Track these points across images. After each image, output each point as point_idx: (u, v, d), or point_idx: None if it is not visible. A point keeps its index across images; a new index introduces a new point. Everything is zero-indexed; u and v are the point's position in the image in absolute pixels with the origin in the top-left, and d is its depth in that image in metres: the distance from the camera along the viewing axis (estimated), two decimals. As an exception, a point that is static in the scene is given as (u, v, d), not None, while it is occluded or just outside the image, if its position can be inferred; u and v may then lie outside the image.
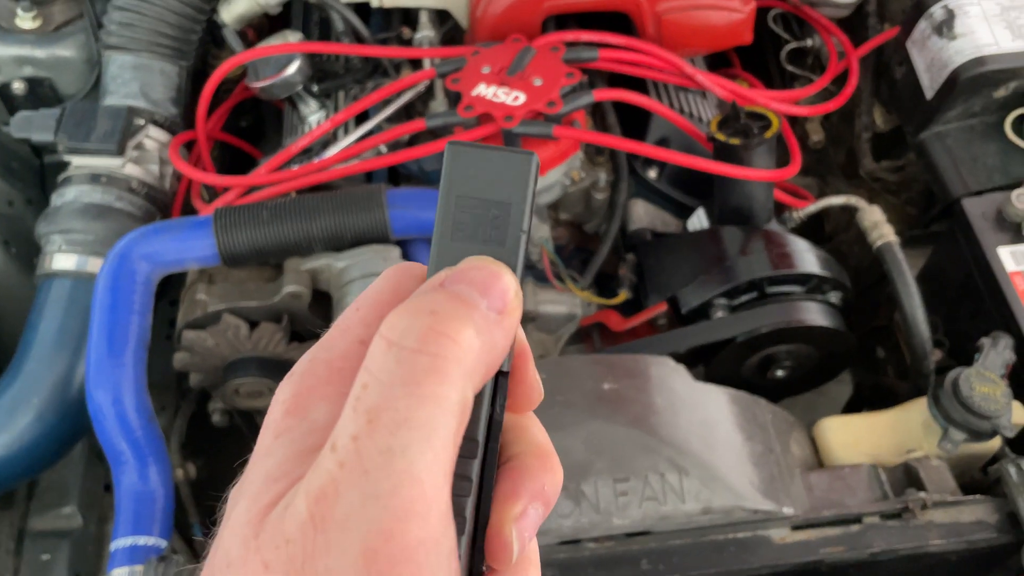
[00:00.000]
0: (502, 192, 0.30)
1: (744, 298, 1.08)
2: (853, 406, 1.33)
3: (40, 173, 1.34)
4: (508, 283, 0.29)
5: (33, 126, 1.12)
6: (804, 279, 1.07)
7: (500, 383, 0.31)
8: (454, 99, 1.09)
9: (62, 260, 1.08)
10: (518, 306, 0.30)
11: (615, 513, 0.82)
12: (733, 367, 1.10)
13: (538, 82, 1.06)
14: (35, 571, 1.16)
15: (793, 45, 1.44)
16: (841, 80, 1.35)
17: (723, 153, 1.08)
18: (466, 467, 0.29)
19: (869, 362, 1.44)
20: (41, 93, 1.26)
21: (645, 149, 1.10)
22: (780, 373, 1.10)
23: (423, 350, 0.27)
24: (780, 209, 1.21)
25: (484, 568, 0.30)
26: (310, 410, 0.29)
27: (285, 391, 0.30)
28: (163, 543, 0.90)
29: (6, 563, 1.15)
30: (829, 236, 1.52)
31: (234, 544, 0.27)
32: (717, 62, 1.54)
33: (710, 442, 0.86)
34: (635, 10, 1.16)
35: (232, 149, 1.42)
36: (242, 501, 0.28)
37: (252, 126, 1.50)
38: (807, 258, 1.08)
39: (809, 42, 1.43)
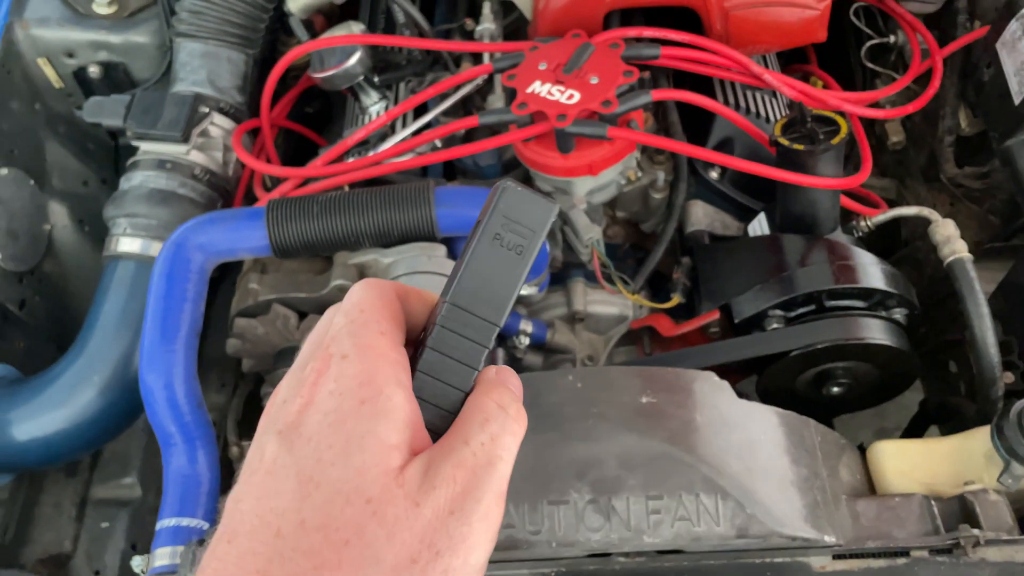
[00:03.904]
0: (532, 223, 0.42)
1: (801, 310, 1.04)
2: (917, 424, 1.27)
3: (115, 155, 1.39)
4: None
5: (104, 111, 1.15)
6: (867, 294, 1.02)
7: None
8: (511, 94, 1.08)
9: (127, 243, 1.12)
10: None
11: (646, 531, 0.80)
12: (786, 380, 1.06)
13: (595, 80, 1.03)
14: (94, 538, 1.22)
15: (875, 41, 1.37)
16: (925, 80, 1.28)
17: (786, 158, 1.03)
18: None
19: (941, 376, 1.37)
20: (115, 77, 1.30)
21: (702, 153, 1.07)
22: (836, 390, 1.06)
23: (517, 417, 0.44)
24: (849, 216, 1.16)
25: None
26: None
27: None
28: (205, 525, 0.92)
29: (68, 529, 1.21)
30: (905, 241, 1.45)
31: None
32: (793, 57, 1.48)
33: (751, 464, 0.83)
34: (701, 6, 1.12)
35: (297, 136, 1.44)
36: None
37: (319, 112, 1.52)
38: (871, 272, 1.03)
39: (892, 39, 1.36)
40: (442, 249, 1.01)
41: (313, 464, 0.37)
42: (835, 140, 1.01)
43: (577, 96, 1.02)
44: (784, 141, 1.02)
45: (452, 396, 0.42)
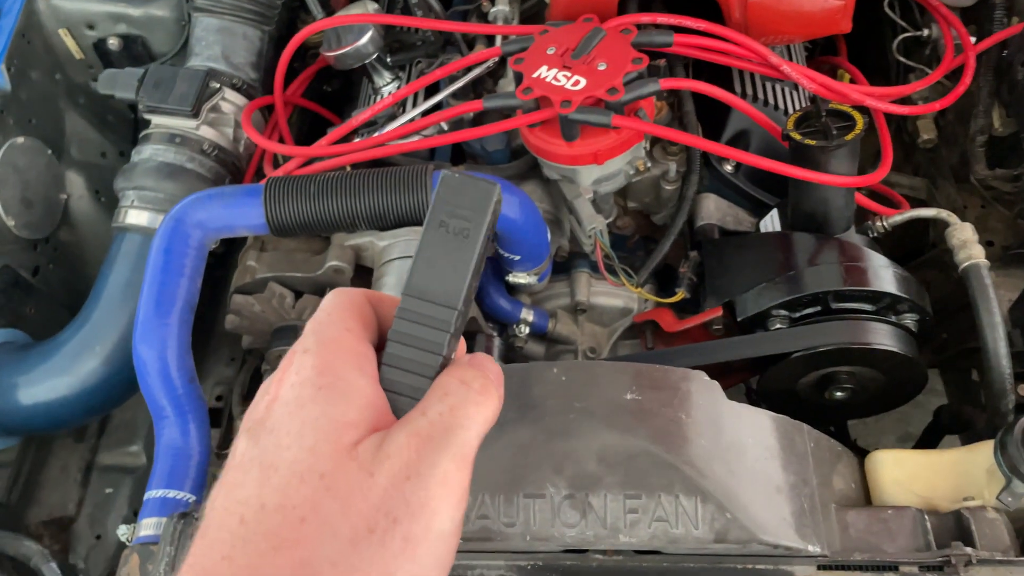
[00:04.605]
0: (473, 206, 0.43)
1: (806, 311, 1.01)
2: (931, 433, 1.23)
3: (134, 127, 1.40)
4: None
5: (117, 84, 1.16)
6: (876, 297, 0.99)
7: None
8: (519, 79, 1.06)
9: (134, 216, 1.13)
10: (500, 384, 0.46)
11: (623, 530, 0.78)
12: (788, 382, 1.03)
13: (602, 66, 1.00)
14: (98, 503, 1.24)
15: (908, 35, 1.32)
16: (958, 76, 1.22)
17: (799, 154, 1.00)
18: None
19: (962, 384, 1.32)
20: (135, 51, 1.31)
21: (710, 146, 1.04)
22: (839, 395, 1.02)
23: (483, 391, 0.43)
24: (865, 216, 1.12)
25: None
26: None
27: None
28: (192, 498, 0.93)
29: (72, 493, 1.24)
30: (933, 243, 1.40)
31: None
32: (824, 50, 1.44)
33: (735, 468, 0.81)
34: (720, -8, 1.09)
35: (315, 114, 1.44)
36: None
37: (339, 91, 1.51)
38: (882, 275, 0.99)
39: (926, 32, 1.31)
40: (438, 234, 0.99)
41: (273, 452, 0.38)
42: (849, 136, 0.97)
43: (583, 82, 0.99)
44: (796, 136, 0.99)
45: (419, 384, 0.42)
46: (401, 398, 0.42)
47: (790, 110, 1.17)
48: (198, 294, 1.00)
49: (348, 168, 1.08)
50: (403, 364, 0.42)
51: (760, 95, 1.16)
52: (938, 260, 1.36)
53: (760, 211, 1.20)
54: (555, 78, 1.01)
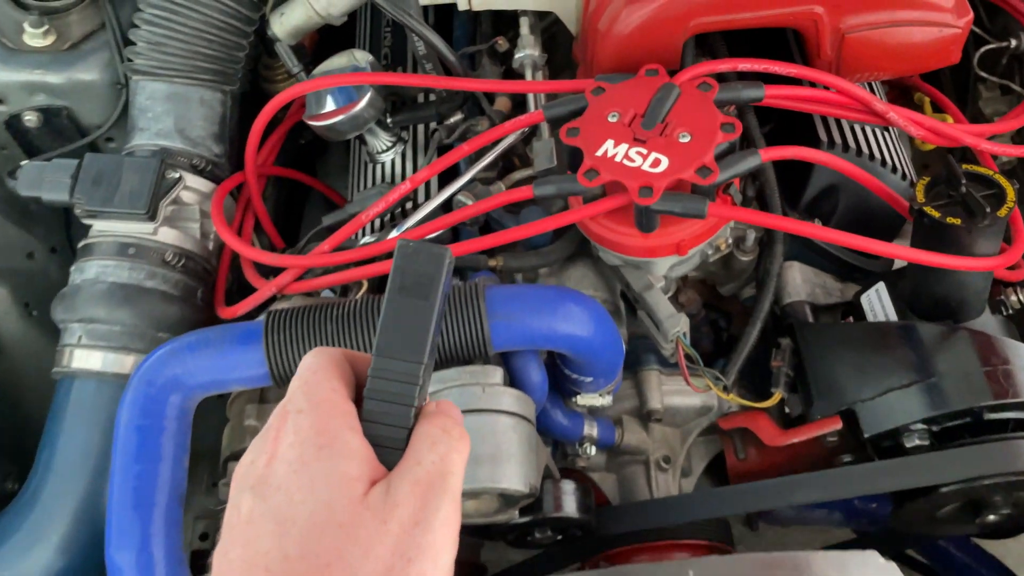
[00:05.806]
0: (429, 271, 0.46)
1: (951, 424, 0.82)
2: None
3: (65, 216, 1.13)
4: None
5: (44, 184, 0.90)
6: (1036, 405, 0.81)
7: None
8: (571, 153, 0.83)
9: (83, 357, 0.87)
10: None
11: None
12: (931, 511, 0.85)
13: (685, 138, 0.79)
14: None
15: (991, 46, 1.13)
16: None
17: (931, 231, 0.80)
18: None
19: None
20: (58, 125, 1.04)
21: (821, 233, 0.83)
22: (992, 518, 0.84)
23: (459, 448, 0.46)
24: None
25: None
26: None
27: None
28: None
29: None
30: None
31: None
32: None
33: None
34: (809, 27, 0.87)
35: (291, 181, 1.19)
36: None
37: (312, 142, 1.26)
38: (1042, 377, 0.81)
39: (1014, 43, 1.12)
40: (498, 373, 0.77)
41: (287, 507, 0.40)
42: (1002, 212, 0.78)
43: (664, 162, 0.78)
44: (934, 212, 0.79)
45: (397, 435, 0.45)
46: (383, 449, 0.44)
47: (886, 158, 0.97)
48: (186, 477, 0.76)
49: (364, 283, 0.84)
50: (381, 419, 0.45)
51: (851, 143, 0.96)
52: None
53: (847, 275, 1.01)
54: (627, 156, 0.78)
